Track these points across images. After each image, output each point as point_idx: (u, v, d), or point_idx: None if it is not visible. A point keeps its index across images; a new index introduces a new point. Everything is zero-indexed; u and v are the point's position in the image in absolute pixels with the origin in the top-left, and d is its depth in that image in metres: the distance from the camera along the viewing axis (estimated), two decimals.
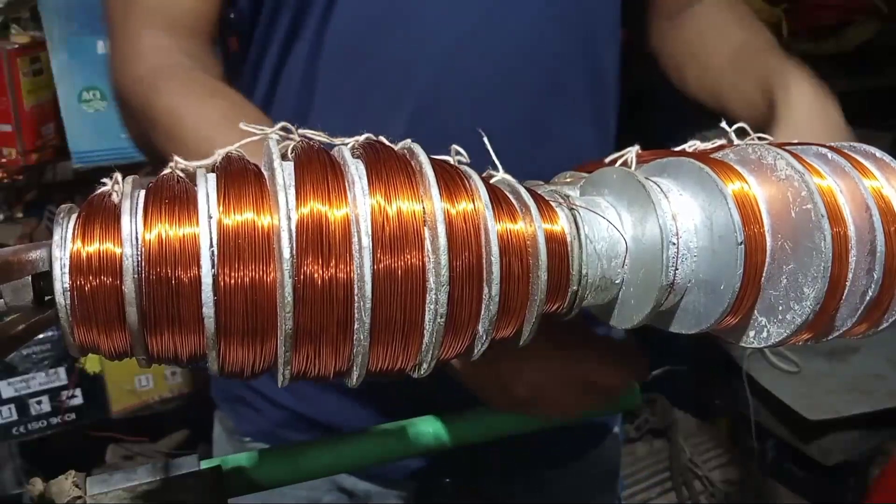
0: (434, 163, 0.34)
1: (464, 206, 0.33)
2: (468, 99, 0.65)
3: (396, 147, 0.36)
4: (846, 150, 0.40)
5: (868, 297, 0.37)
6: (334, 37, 0.64)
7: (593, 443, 0.85)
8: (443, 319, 0.32)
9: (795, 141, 0.42)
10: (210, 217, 0.31)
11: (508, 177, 0.38)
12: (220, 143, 0.33)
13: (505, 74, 0.65)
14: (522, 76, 0.65)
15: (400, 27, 0.64)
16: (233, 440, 0.81)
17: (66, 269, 0.30)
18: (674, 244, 0.36)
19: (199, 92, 0.58)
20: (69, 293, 0.30)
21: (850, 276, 0.36)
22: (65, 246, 0.30)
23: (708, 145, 0.43)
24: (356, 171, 0.33)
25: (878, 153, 0.41)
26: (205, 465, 0.52)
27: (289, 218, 0.30)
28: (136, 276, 0.29)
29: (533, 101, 0.67)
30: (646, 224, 0.37)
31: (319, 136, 0.36)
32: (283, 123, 0.36)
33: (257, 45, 0.67)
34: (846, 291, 0.36)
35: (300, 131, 0.36)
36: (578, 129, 0.71)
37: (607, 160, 0.44)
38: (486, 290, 0.33)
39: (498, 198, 0.35)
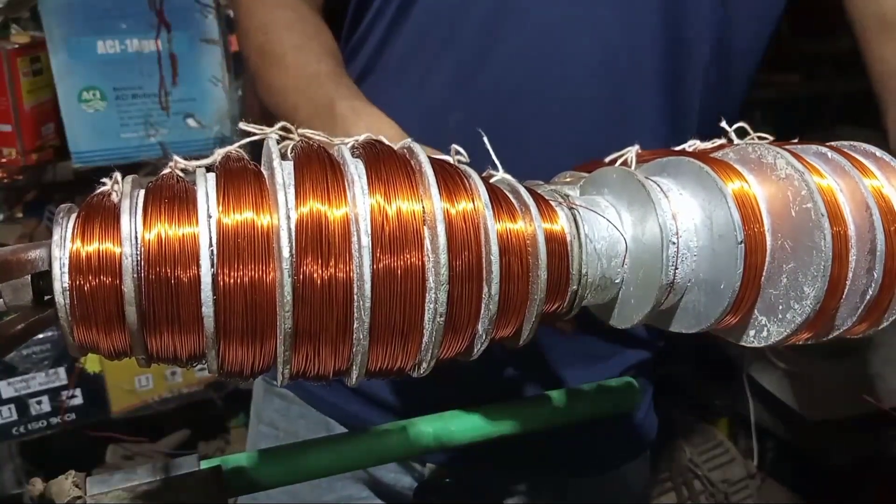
0: (434, 162, 0.34)
1: (463, 205, 0.33)
2: (527, 102, 0.65)
3: (396, 146, 0.36)
4: (846, 150, 0.40)
5: (868, 297, 0.36)
6: (416, 12, 0.66)
7: (622, 459, 0.83)
8: (442, 319, 0.32)
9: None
10: (209, 216, 0.31)
11: (508, 176, 0.38)
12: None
13: (573, 83, 0.64)
14: (590, 90, 0.65)
15: (476, 16, 0.65)
16: (263, 381, 0.85)
17: (66, 269, 0.30)
18: (674, 243, 0.36)
19: (289, 17, 0.65)
20: (69, 293, 0.30)
21: (850, 275, 0.36)
22: (64, 245, 0.30)
23: (707, 145, 0.43)
24: (356, 170, 0.33)
25: (879, 152, 0.41)
26: (205, 465, 0.52)
27: (288, 217, 0.30)
28: (135, 275, 0.29)
29: (597, 118, 0.66)
30: (646, 223, 0.37)
31: (319, 137, 0.36)
32: (282, 123, 0.36)
33: (350, 18, 0.72)
34: (846, 290, 0.36)
35: (300, 131, 0.36)
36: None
37: (607, 160, 0.44)
38: (485, 289, 0.33)
39: (498, 197, 0.35)
